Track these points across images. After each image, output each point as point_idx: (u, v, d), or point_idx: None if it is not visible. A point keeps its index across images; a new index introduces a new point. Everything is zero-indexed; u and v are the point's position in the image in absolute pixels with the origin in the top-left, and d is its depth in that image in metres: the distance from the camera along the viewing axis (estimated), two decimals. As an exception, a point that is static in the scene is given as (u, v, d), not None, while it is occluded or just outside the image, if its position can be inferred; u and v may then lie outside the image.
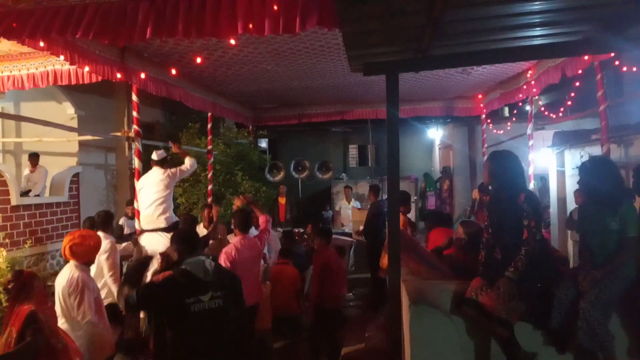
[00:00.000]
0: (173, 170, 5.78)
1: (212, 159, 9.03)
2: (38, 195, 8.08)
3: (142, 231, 5.70)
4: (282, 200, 11.69)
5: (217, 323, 3.07)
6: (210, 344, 3.05)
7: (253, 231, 5.65)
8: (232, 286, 3.23)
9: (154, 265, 4.65)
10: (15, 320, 3.37)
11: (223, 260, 4.66)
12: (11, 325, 3.37)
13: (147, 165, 6.08)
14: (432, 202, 14.55)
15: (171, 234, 4.03)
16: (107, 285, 4.99)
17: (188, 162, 6.07)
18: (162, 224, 5.61)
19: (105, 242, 4.87)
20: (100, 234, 4.89)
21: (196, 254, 3.18)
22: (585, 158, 4.59)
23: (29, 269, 7.03)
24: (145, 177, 5.84)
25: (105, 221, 5.21)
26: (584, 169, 3.34)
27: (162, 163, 5.86)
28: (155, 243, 5.46)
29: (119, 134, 7.09)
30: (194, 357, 3.03)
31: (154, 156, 5.91)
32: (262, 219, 5.42)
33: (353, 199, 12.24)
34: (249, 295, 4.07)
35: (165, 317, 3.09)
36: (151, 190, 5.67)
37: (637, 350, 3.16)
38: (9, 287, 3.56)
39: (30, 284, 3.56)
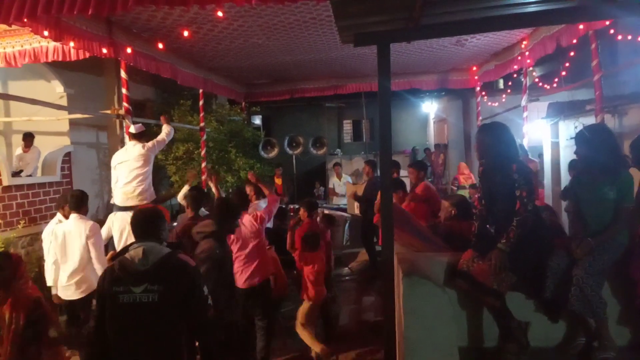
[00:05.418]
0: (150, 143, 5.66)
1: (204, 137, 8.97)
2: (30, 176, 8.01)
3: (120, 208, 5.54)
4: (278, 181, 11.83)
5: (146, 319, 2.67)
6: (133, 340, 2.69)
7: (262, 204, 5.81)
8: (180, 282, 2.73)
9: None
10: (15, 307, 3.20)
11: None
12: (11, 312, 3.19)
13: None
14: None
15: None
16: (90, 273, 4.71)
17: (164, 131, 5.91)
18: (145, 200, 5.50)
19: (87, 225, 4.66)
20: (73, 215, 4.70)
21: (148, 239, 2.78)
22: (580, 129, 4.56)
23: (23, 249, 7.03)
24: (123, 152, 5.69)
25: (78, 202, 4.75)
26: (581, 137, 3.29)
27: (140, 137, 5.72)
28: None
29: (109, 111, 7.00)
30: (115, 352, 2.69)
31: (132, 129, 5.76)
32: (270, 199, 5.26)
33: (344, 174, 12.08)
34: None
35: (99, 305, 2.77)
36: (132, 165, 5.53)
37: (627, 317, 3.20)
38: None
39: (21, 268, 3.37)
